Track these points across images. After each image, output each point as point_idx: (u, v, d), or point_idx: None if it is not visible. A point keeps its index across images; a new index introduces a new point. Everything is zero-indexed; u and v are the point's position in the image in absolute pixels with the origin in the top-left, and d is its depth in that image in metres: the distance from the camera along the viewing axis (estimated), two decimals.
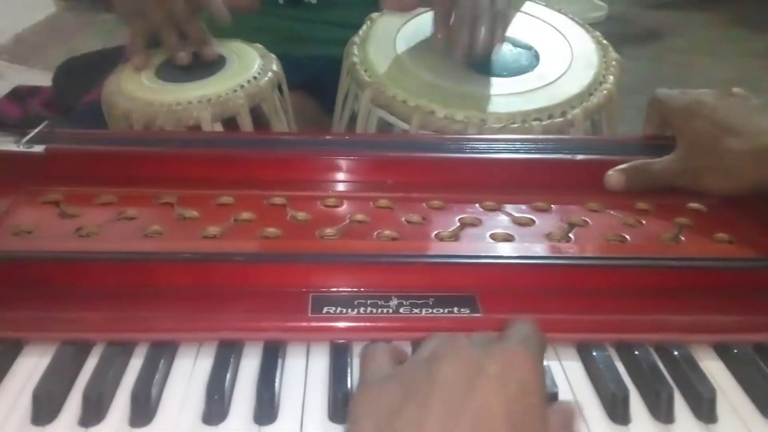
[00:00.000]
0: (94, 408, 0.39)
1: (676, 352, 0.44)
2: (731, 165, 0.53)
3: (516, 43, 0.73)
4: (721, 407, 0.41)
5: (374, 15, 0.77)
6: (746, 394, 0.42)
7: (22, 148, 0.56)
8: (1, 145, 0.56)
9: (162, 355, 0.42)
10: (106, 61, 0.98)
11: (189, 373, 0.42)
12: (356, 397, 0.34)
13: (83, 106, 0.96)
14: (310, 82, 0.88)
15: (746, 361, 0.43)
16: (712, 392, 0.41)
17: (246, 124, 0.67)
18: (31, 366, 0.42)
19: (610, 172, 0.57)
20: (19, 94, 1.29)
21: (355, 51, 0.71)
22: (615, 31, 2.47)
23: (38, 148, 0.56)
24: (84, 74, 1.04)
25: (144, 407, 0.39)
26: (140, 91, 0.67)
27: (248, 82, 0.68)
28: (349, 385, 0.40)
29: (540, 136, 0.62)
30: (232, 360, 0.42)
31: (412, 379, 0.32)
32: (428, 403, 0.30)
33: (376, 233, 0.50)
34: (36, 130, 0.58)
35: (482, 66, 0.69)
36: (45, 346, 0.43)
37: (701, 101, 0.58)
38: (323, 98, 0.88)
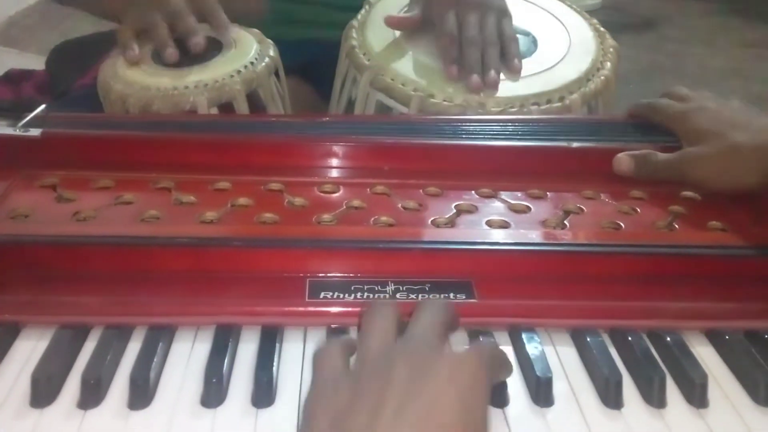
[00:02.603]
0: (93, 391, 0.39)
1: (668, 339, 0.44)
2: (737, 161, 0.53)
3: (514, 29, 0.73)
4: (713, 393, 0.41)
5: None
6: (737, 379, 0.43)
7: (18, 132, 0.56)
8: None
9: (160, 338, 0.42)
10: (100, 45, 0.98)
11: (187, 356, 0.42)
12: (310, 397, 0.34)
13: (77, 90, 0.95)
14: (306, 65, 0.88)
15: (738, 347, 0.44)
16: (703, 378, 0.41)
17: (242, 109, 0.67)
18: (29, 349, 0.42)
19: (620, 155, 0.57)
20: (12, 78, 1.27)
21: (354, 35, 0.71)
22: (610, 20, 2.47)
23: (35, 132, 0.56)
24: (78, 58, 1.03)
25: (142, 390, 0.39)
26: (137, 76, 0.67)
27: (245, 67, 0.68)
28: None
29: (537, 116, 0.63)
30: (230, 344, 0.42)
31: (366, 378, 0.33)
32: (381, 400, 0.31)
33: (372, 219, 0.51)
34: (32, 114, 0.58)
35: None
36: (42, 329, 0.43)
37: (703, 106, 0.58)
38: (319, 83, 0.88)
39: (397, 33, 0.71)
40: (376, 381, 0.32)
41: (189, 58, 0.70)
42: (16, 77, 1.27)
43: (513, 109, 0.63)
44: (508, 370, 0.39)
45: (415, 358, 0.33)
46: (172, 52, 0.70)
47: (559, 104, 0.64)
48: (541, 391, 0.40)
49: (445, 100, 0.63)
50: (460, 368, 0.33)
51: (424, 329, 0.37)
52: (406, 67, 0.67)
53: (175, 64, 0.69)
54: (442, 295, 0.45)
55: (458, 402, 0.31)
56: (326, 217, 0.51)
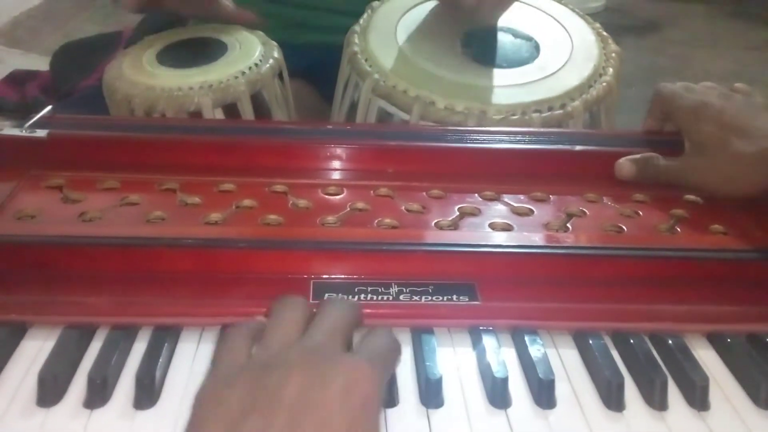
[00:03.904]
0: (99, 390, 0.39)
1: (670, 341, 0.44)
2: (739, 168, 0.54)
3: (516, 34, 0.73)
4: (714, 395, 0.41)
5: (375, 3, 0.77)
6: (738, 382, 0.43)
7: (25, 133, 0.56)
8: (4, 130, 0.57)
9: (165, 338, 0.43)
10: (104, 46, 0.99)
11: (192, 357, 0.42)
12: (202, 393, 0.34)
13: (81, 91, 0.96)
14: (309, 69, 0.88)
15: (739, 350, 0.44)
16: (705, 380, 0.41)
17: (247, 110, 0.67)
18: (36, 349, 0.42)
19: (622, 160, 0.57)
20: (16, 78, 1.28)
21: (356, 40, 0.71)
22: (613, 22, 2.47)
23: (41, 133, 0.56)
24: (81, 59, 1.04)
25: (148, 390, 0.39)
26: (141, 76, 0.68)
27: (249, 68, 0.68)
28: None
29: (539, 129, 0.63)
30: None
31: (260, 386, 0.33)
32: (272, 414, 0.31)
33: (376, 221, 0.51)
34: (39, 115, 0.58)
35: (483, 56, 0.70)
36: (49, 329, 0.44)
37: (707, 103, 0.57)
38: (322, 86, 0.88)
39: (399, 38, 0.72)
40: (269, 389, 0.32)
41: (194, 58, 0.70)
42: (20, 78, 1.27)
43: (514, 117, 0.63)
44: (399, 354, 0.39)
45: (311, 368, 0.33)
46: None
47: (560, 111, 0.64)
48: (543, 393, 0.41)
49: (446, 108, 0.63)
50: (354, 385, 0.32)
51: (324, 333, 0.37)
52: (407, 73, 0.67)
53: (179, 65, 0.69)
54: (445, 297, 0.46)
55: (349, 424, 0.31)
56: (330, 218, 0.51)
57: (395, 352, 0.38)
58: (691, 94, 0.59)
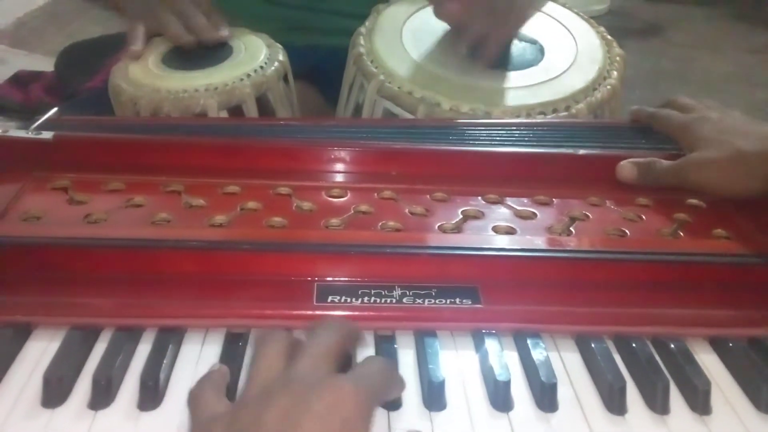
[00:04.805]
0: (104, 391, 0.40)
1: (672, 345, 0.44)
2: (741, 167, 0.54)
3: (521, 38, 0.74)
4: (716, 400, 0.42)
5: (380, 6, 0.77)
6: (740, 387, 0.43)
7: (30, 135, 0.56)
8: (10, 132, 0.57)
9: (170, 340, 0.43)
10: (109, 48, 0.99)
11: (196, 358, 0.43)
12: None
13: (86, 93, 0.96)
14: (313, 71, 0.89)
15: (741, 355, 0.44)
16: (707, 385, 0.41)
17: (252, 113, 0.67)
18: (41, 350, 0.43)
19: (623, 162, 0.58)
20: (20, 79, 1.28)
21: (362, 41, 0.71)
22: (615, 25, 2.47)
23: (47, 135, 0.56)
24: (86, 60, 1.04)
25: (152, 391, 0.40)
26: (147, 78, 0.68)
27: (255, 71, 0.69)
28: None
29: (543, 120, 0.63)
30: (238, 347, 0.43)
31: (241, 420, 0.33)
32: None
33: (380, 224, 0.51)
34: (45, 117, 0.59)
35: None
36: (54, 330, 0.44)
37: (706, 116, 0.59)
38: (326, 88, 0.88)
39: (405, 40, 0.72)
40: (251, 418, 0.32)
41: (199, 61, 0.71)
42: (24, 79, 1.28)
43: (519, 118, 0.64)
44: (401, 387, 0.39)
45: (292, 394, 0.33)
46: (190, 40, 0.72)
47: (565, 113, 0.65)
48: (545, 397, 0.41)
49: (451, 109, 0.64)
50: (336, 405, 0.32)
51: (310, 357, 0.36)
52: (413, 74, 0.67)
53: (185, 67, 0.70)
54: (448, 300, 0.46)
55: None
56: (334, 221, 0.51)
57: (389, 378, 0.38)
58: (689, 112, 0.60)
